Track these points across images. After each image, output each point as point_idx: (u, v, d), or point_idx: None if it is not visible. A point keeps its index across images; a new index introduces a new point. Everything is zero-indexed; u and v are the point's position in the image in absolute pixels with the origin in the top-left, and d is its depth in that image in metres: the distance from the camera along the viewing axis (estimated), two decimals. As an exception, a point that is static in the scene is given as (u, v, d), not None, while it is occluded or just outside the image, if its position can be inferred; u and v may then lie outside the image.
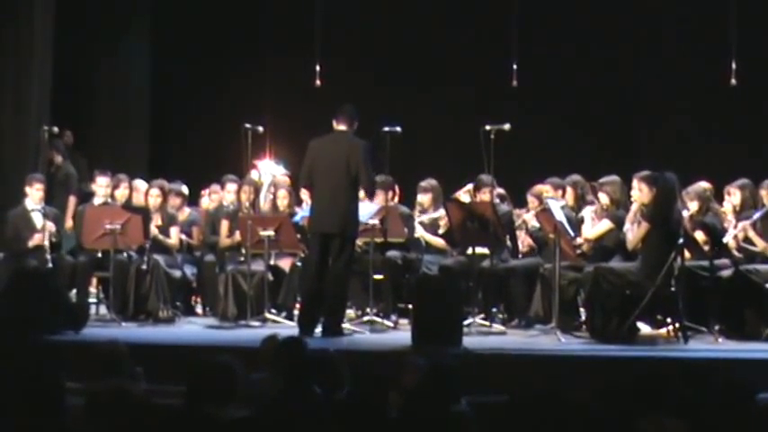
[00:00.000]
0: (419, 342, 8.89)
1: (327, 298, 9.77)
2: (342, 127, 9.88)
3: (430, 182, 11.14)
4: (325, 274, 9.71)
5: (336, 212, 9.65)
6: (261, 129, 10.92)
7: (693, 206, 10.13)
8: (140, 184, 11.91)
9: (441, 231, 10.99)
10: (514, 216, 11.05)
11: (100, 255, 11.06)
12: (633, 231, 9.63)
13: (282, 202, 11.31)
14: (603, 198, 10.21)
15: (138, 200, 11.66)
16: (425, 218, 11.06)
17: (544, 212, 10.16)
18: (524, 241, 10.97)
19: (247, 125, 10.80)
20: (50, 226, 11.06)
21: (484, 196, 10.70)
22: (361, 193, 10.63)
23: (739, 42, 12.18)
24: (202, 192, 12.38)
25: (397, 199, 11.14)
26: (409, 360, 6.57)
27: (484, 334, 9.93)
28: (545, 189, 10.79)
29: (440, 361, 6.02)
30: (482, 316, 10.33)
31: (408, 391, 5.50)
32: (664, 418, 4.91)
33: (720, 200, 10.39)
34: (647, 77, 13.64)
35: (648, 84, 13.66)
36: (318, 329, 9.64)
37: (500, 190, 11.15)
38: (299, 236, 10.70)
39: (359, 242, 10.88)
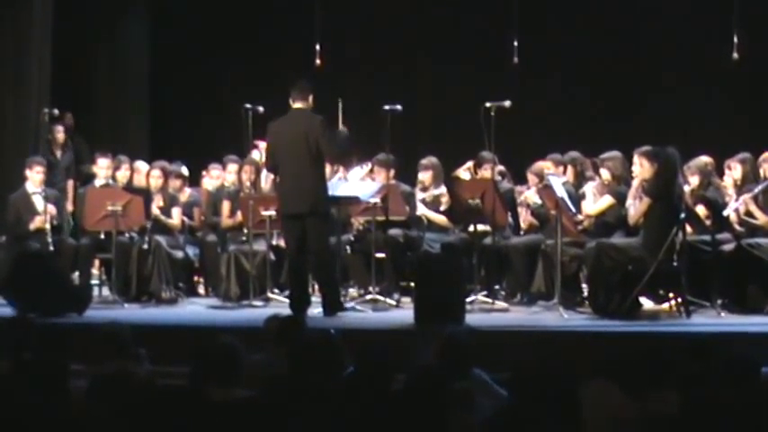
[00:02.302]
0: (422, 320, 8.90)
1: (319, 278, 9.75)
2: (298, 104, 9.72)
3: (430, 159, 11.13)
4: (306, 254, 9.64)
5: (304, 192, 9.50)
6: (261, 109, 10.92)
7: (694, 181, 10.12)
8: (141, 165, 11.92)
9: (443, 208, 10.99)
10: (515, 193, 11.06)
11: (102, 236, 11.08)
12: (635, 207, 9.63)
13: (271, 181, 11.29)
14: (605, 174, 10.20)
15: (139, 181, 11.68)
16: (427, 195, 11.05)
17: (546, 189, 10.16)
18: (525, 218, 10.97)
19: (248, 105, 10.80)
20: (51, 209, 11.07)
21: (485, 173, 10.69)
22: (363, 172, 10.63)
23: (741, 16, 12.12)
24: (203, 172, 12.38)
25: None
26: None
27: (486, 311, 9.94)
28: (546, 166, 10.78)
29: (454, 335, 6.03)
30: (484, 293, 10.34)
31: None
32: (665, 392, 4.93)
33: (721, 174, 10.38)
34: (647, 53, 13.60)
35: (649, 59, 13.61)
36: (318, 310, 9.62)
37: (501, 167, 11.15)
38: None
39: (360, 220, 10.89)
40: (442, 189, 10.87)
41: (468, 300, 9.67)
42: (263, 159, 11.19)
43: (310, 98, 9.73)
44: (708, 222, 9.97)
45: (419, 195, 11.08)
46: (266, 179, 11.28)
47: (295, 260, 9.72)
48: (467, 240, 10.62)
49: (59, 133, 12.77)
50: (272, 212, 10.47)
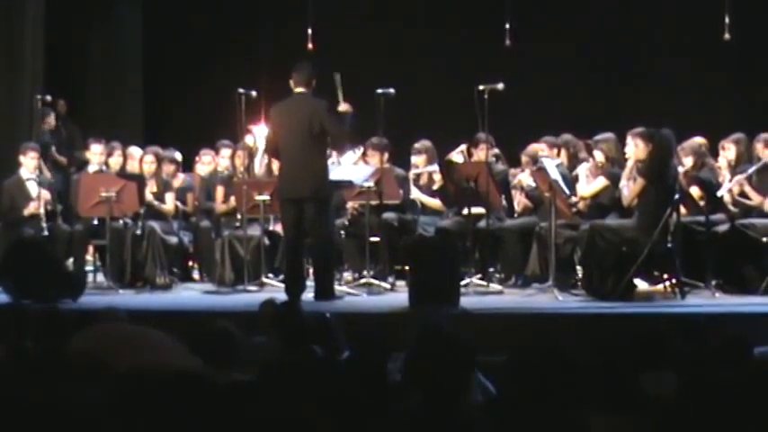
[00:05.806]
0: (416, 303, 8.91)
1: (315, 263, 9.74)
2: (300, 89, 9.69)
3: (424, 143, 11.13)
4: (303, 239, 9.64)
5: (306, 176, 9.47)
6: (254, 93, 10.90)
7: (688, 162, 10.13)
8: (135, 151, 11.90)
9: (435, 187, 10.98)
10: (509, 176, 11.06)
11: (96, 223, 11.07)
12: (629, 188, 9.63)
13: (277, 166, 11.28)
14: (598, 156, 10.20)
15: (132, 167, 11.66)
16: (421, 170, 11.02)
17: (539, 171, 10.15)
18: (520, 201, 10.97)
19: (241, 90, 10.78)
20: (45, 194, 11.06)
21: (481, 153, 10.68)
22: (356, 156, 10.63)
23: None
24: (196, 158, 12.37)
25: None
26: None
27: (481, 294, 9.95)
28: (540, 148, 10.78)
29: (434, 323, 6.03)
30: (479, 276, 10.35)
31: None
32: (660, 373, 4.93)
33: (715, 155, 10.39)
34: (640, 34, 13.60)
35: (642, 40, 13.61)
36: (311, 294, 9.61)
37: (495, 150, 11.14)
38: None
39: (354, 204, 10.89)
40: (434, 167, 10.86)
41: (463, 283, 9.68)
42: (256, 144, 11.20)
43: (312, 82, 9.71)
44: (702, 203, 9.98)
45: (414, 170, 11.05)
46: (260, 164, 11.27)
47: (292, 245, 9.70)
48: (461, 224, 10.62)
49: (51, 119, 12.74)
50: (266, 197, 10.46)
